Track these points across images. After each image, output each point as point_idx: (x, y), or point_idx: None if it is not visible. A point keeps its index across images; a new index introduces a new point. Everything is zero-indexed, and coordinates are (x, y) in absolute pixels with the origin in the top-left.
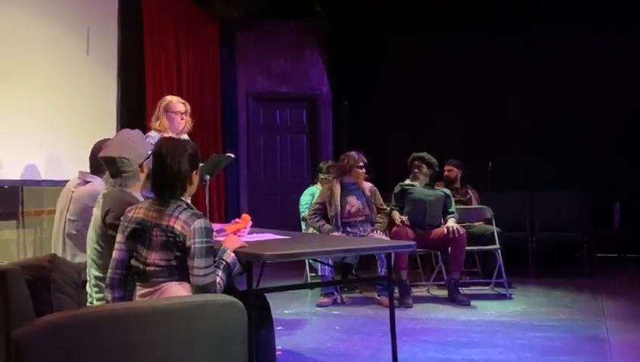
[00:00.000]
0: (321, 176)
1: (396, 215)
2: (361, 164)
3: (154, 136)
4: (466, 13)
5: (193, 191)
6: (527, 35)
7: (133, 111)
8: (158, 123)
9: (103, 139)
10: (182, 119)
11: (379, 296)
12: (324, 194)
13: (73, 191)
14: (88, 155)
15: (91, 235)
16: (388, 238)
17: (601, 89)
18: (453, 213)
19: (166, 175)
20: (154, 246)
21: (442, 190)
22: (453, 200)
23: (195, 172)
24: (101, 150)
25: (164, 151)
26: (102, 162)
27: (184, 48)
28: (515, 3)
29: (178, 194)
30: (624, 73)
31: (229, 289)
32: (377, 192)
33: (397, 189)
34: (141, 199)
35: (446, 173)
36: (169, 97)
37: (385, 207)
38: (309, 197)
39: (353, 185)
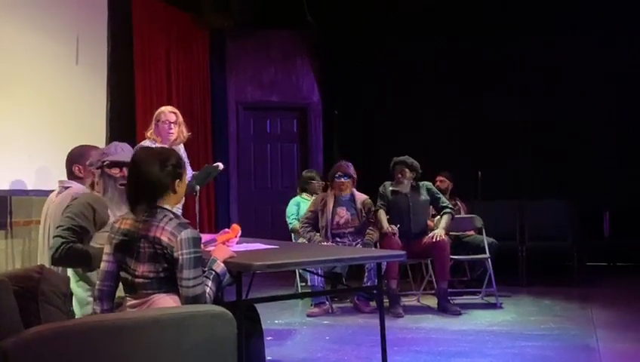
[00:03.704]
0: (314, 182)
1: (382, 216)
2: (339, 173)
3: (149, 145)
4: (455, 24)
5: (179, 200)
6: (515, 44)
7: (123, 121)
8: (150, 132)
9: (79, 145)
10: (170, 129)
11: (358, 300)
12: (317, 203)
13: (54, 201)
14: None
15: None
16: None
17: (591, 98)
18: (446, 207)
19: (139, 183)
20: (142, 258)
21: (427, 189)
22: (440, 196)
23: (177, 181)
24: (69, 157)
25: (136, 160)
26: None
27: (174, 57)
28: (503, 12)
29: (154, 203)
30: (614, 82)
31: (217, 301)
32: (372, 206)
33: (382, 189)
34: (109, 205)
35: (438, 183)
36: (162, 107)
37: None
38: (295, 207)
39: (345, 197)
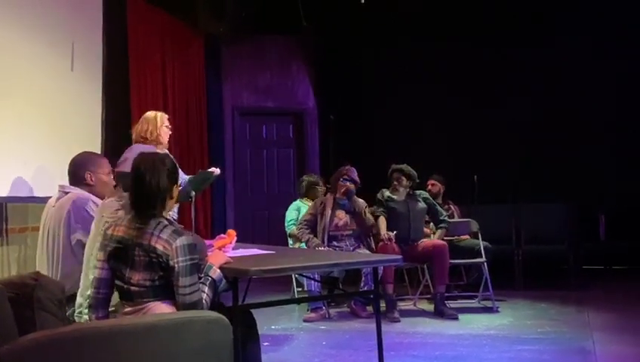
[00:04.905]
0: (318, 188)
1: (382, 224)
2: (344, 177)
3: (142, 149)
4: (451, 27)
5: (173, 205)
6: (511, 48)
7: (119, 128)
8: (148, 133)
9: (83, 151)
10: (170, 132)
11: (355, 305)
12: (317, 206)
13: (54, 206)
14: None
15: (92, 252)
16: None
17: (586, 102)
18: (443, 221)
19: (145, 192)
20: (137, 266)
21: (423, 198)
22: (438, 207)
23: (175, 186)
24: (79, 163)
25: (142, 168)
26: (118, 178)
27: (169, 63)
28: (503, 13)
29: (159, 211)
30: (610, 86)
31: (215, 306)
32: (366, 209)
33: (380, 196)
34: None
35: (429, 187)
36: (156, 112)
37: (372, 224)
38: (295, 212)
39: (344, 200)
